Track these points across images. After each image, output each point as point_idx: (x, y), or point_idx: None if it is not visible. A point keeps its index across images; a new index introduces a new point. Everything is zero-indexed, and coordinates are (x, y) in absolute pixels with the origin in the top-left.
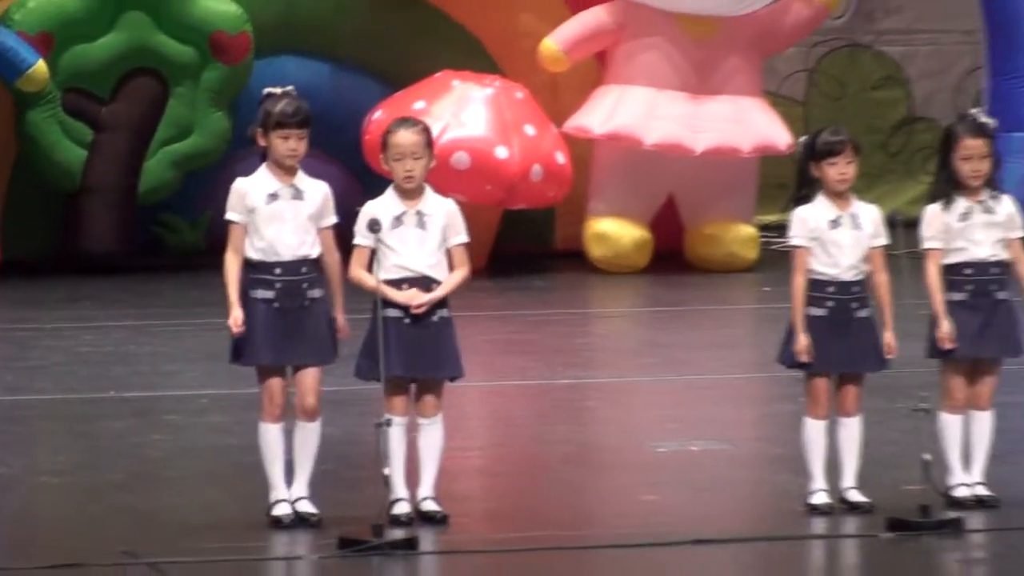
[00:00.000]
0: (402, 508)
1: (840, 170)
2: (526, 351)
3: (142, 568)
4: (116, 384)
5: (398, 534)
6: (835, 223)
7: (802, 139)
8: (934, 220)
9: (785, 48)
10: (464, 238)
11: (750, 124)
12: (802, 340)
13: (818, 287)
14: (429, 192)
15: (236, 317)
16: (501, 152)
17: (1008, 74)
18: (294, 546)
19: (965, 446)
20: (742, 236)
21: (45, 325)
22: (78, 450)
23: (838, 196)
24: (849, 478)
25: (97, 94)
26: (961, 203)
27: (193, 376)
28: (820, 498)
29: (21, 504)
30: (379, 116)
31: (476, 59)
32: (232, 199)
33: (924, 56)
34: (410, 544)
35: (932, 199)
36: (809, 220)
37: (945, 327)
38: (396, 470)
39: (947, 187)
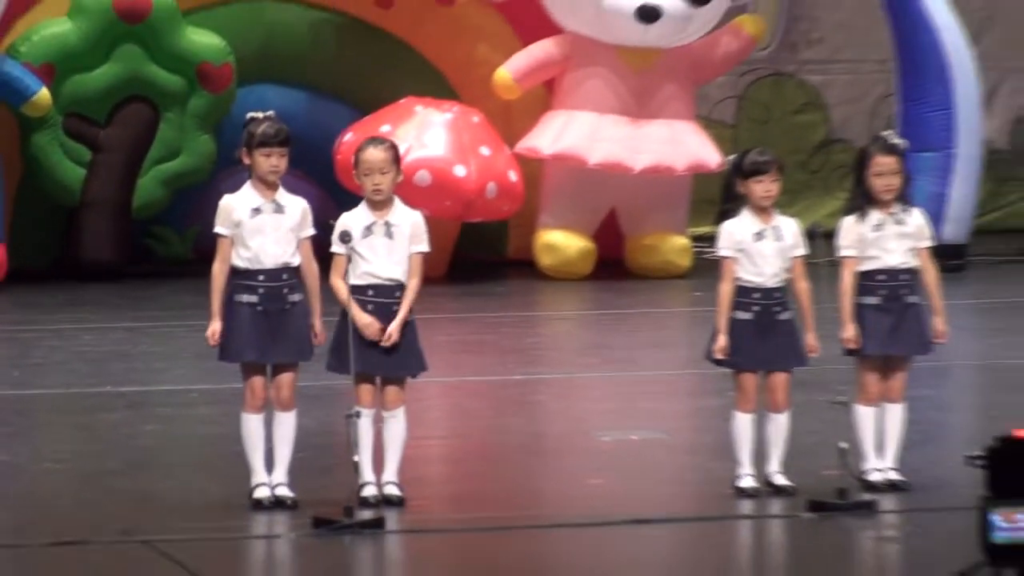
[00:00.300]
0: (370, 491)
1: (766, 187)
2: (482, 350)
3: (137, 545)
4: (113, 380)
5: (367, 515)
6: (759, 235)
7: (731, 158)
8: (850, 231)
9: (716, 77)
10: (424, 247)
11: (684, 145)
12: (721, 340)
13: (744, 293)
14: (398, 204)
15: (214, 330)
16: (459, 171)
17: (917, 100)
18: (273, 526)
19: (879, 435)
20: (677, 246)
21: (48, 327)
22: (78, 440)
23: (762, 211)
24: (774, 464)
25: (95, 119)
26: (874, 215)
27: (183, 372)
28: (747, 482)
29: (27, 489)
30: (349, 138)
31: (437, 87)
32: (220, 214)
33: (842, 84)
34: (378, 524)
35: (848, 212)
36: (735, 233)
37: (849, 331)
38: (364, 457)
39: (862, 201)
